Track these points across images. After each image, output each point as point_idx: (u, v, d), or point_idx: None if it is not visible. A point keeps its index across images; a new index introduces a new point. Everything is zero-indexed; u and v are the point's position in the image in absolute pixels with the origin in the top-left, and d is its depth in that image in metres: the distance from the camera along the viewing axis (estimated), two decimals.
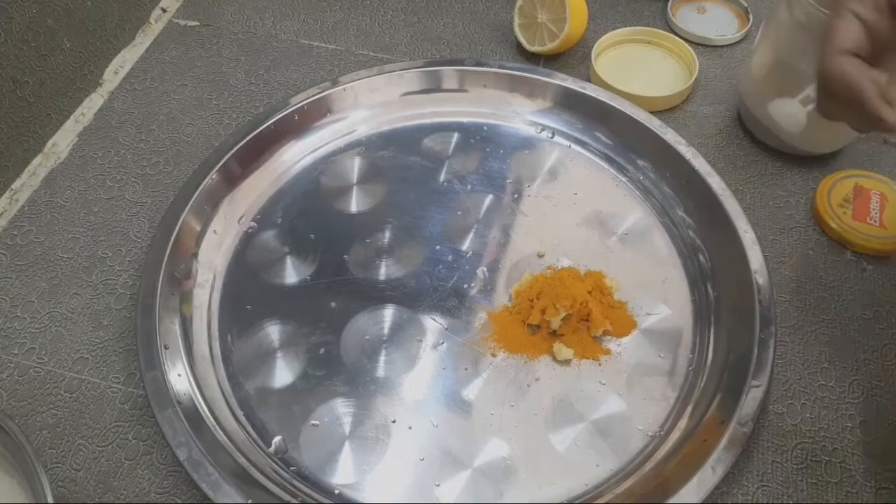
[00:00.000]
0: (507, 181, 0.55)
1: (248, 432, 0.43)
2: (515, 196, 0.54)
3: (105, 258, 0.51)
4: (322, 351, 0.46)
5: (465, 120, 0.58)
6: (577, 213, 0.52)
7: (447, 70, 0.58)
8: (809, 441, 0.43)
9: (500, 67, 0.58)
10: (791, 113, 0.48)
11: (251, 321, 0.48)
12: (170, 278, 0.47)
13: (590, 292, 0.47)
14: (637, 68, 0.62)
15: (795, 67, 0.48)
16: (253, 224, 0.53)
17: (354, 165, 0.56)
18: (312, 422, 0.43)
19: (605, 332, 0.46)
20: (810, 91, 0.47)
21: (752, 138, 0.57)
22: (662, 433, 0.43)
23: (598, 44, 0.62)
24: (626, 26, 0.64)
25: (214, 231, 0.51)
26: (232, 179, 0.53)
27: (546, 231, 0.52)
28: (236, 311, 0.48)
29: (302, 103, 0.56)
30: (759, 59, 0.52)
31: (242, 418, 0.44)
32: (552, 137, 0.57)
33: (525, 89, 0.58)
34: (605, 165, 0.55)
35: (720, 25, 0.66)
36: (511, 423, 0.43)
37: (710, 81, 0.61)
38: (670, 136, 0.53)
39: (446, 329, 0.47)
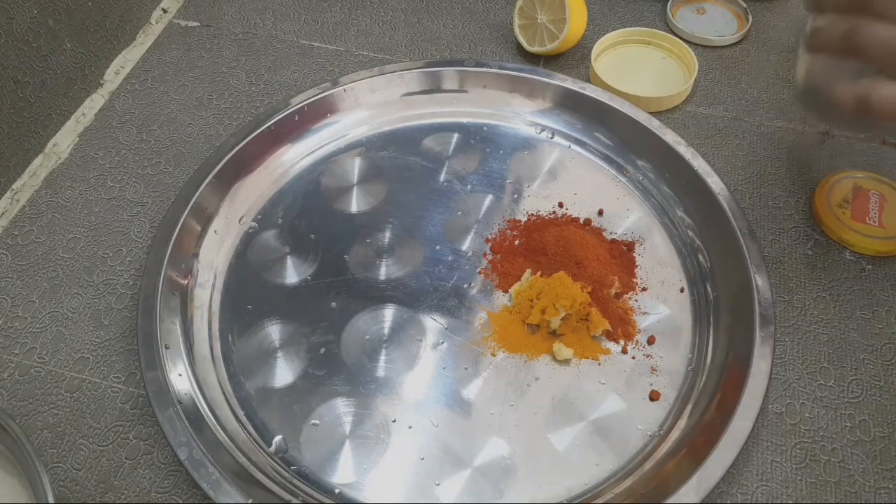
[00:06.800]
0: (507, 181, 0.55)
1: (248, 432, 0.43)
2: (515, 196, 0.54)
3: (106, 258, 0.51)
4: (322, 350, 0.46)
5: (465, 120, 0.59)
6: (576, 213, 0.53)
7: (447, 70, 0.58)
8: (808, 441, 0.43)
9: (500, 68, 0.58)
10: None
11: (252, 321, 0.48)
12: (170, 278, 0.47)
13: (590, 292, 0.47)
14: (637, 69, 0.62)
15: None
16: (254, 224, 0.53)
17: (355, 166, 0.56)
18: (313, 421, 0.43)
19: (605, 332, 0.46)
20: None
21: (751, 138, 0.57)
22: (662, 433, 0.43)
23: (597, 44, 0.62)
24: (625, 27, 0.64)
25: (215, 231, 0.51)
26: (232, 180, 0.53)
27: None
28: (237, 310, 0.48)
29: (302, 104, 0.56)
30: None
31: (243, 418, 0.44)
32: (552, 138, 0.57)
33: (525, 90, 0.58)
34: (605, 166, 0.55)
35: (719, 26, 0.66)
36: (511, 423, 0.43)
37: (710, 82, 0.61)
38: (670, 136, 0.53)
39: (446, 329, 0.47)
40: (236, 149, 0.53)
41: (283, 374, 0.45)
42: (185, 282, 0.48)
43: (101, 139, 0.58)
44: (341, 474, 0.42)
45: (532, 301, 0.47)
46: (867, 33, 0.35)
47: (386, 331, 0.47)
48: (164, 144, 0.58)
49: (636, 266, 0.50)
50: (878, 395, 0.44)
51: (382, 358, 0.46)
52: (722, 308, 0.47)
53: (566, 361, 0.45)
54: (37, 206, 0.54)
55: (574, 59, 0.64)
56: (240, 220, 0.53)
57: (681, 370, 0.45)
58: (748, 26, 0.65)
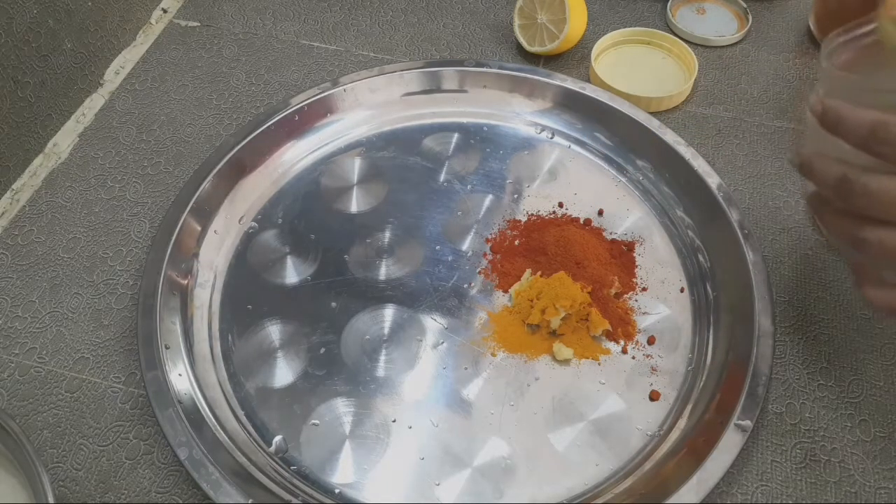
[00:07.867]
0: (507, 181, 0.55)
1: (248, 432, 0.43)
2: (515, 196, 0.54)
3: (106, 258, 0.51)
4: (322, 350, 0.46)
5: (465, 120, 0.59)
6: (576, 213, 0.53)
7: (447, 70, 0.58)
8: (808, 441, 0.43)
9: (500, 68, 0.58)
10: None
11: (252, 321, 0.48)
12: (170, 278, 0.47)
13: (590, 292, 0.47)
14: (637, 69, 0.62)
15: None
16: (254, 224, 0.53)
17: (355, 166, 0.56)
18: (313, 421, 0.43)
19: (605, 332, 0.46)
20: None
21: (751, 138, 0.57)
22: (662, 433, 0.43)
23: (597, 44, 0.62)
24: (625, 27, 0.64)
25: (215, 231, 0.51)
26: (232, 180, 0.53)
27: None
28: (237, 310, 0.48)
29: (302, 104, 0.56)
30: None
31: (243, 418, 0.44)
32: (552, 138, 0.57)
33: (525, 90, 0.58)
34: (605, 166, 0.55)
35: (719, 26, 0.66)
36: (511, 423, 0.43)
37: (710, 82, 0.61)
38: (669, 136, 0.53)
39: (446, 329, 0.47)
40: (236, 149, 0.53)
41: (283, 374, 0.45)
42: (185, 282, 0.48)
43: (101, 139, 0.58)
44: (341, 474, 0.42)
45: (532, 301, 0.47)
46: (876, 243, 0.33)
47: (386, 331, 0.47)
48: (164, 144, 0.58)
49: (636, 266, 0.50)
50: (878, 395, 0.44)
51: (382, 358, 0.46)
52: (722, 308, 0.47)
53: (566, 361, 0.45)
54: (37, 206, 0.54)
55: (574, 59, 0.64)
56: (240, 220, 0.53)
57: (681, 370, 0.45)
58: (748, 26, 0.65)
